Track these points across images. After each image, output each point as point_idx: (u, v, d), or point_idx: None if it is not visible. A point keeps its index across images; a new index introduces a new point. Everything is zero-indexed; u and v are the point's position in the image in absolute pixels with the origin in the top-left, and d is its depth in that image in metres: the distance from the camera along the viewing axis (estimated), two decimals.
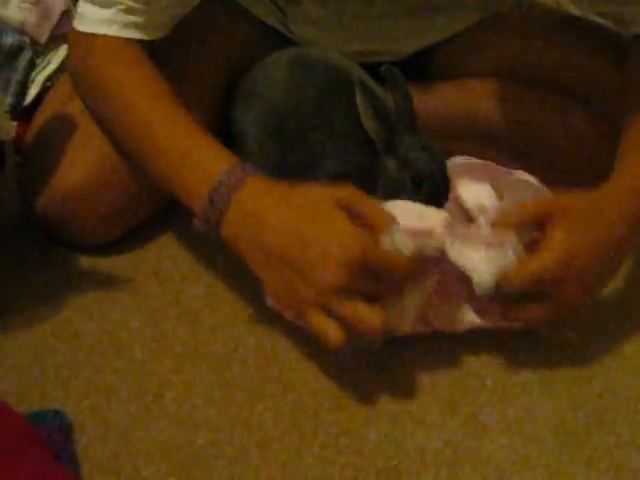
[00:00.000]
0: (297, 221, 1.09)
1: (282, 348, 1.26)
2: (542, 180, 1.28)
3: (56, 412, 1.14)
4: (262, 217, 1.11)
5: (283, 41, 1.56)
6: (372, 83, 1.38)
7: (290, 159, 1.38)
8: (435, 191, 1.26)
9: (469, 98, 1.52)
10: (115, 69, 1.28)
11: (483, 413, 1.17)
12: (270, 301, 1.19)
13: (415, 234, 1.12)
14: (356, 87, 1.27)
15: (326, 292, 1.06)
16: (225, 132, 1.44)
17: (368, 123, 1.28)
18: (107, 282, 1.38)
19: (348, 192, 1.12)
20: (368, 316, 1.06)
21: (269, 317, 1.28)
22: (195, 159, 1.18)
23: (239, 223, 1.13)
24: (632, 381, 1.21)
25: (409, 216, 1.14)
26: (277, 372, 1.22)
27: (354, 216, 1.09)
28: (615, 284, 1.33)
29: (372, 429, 1.15)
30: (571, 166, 1.46)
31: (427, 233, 1.13)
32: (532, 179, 1.25)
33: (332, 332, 1.07)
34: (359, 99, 1.27)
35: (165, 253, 1.44)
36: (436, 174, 1.28)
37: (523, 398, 1.19)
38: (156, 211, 1.46)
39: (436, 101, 1.52)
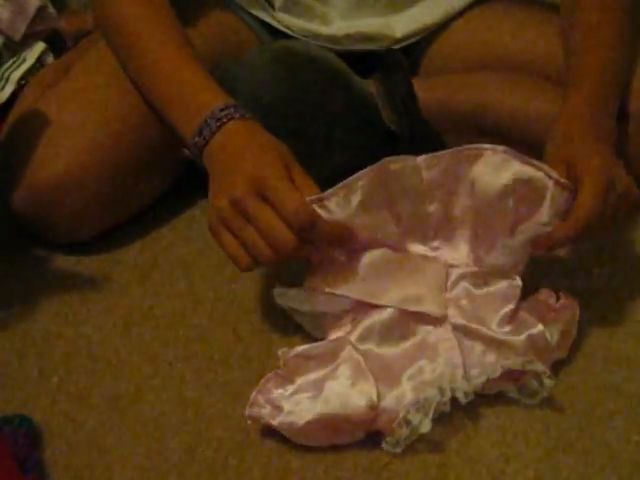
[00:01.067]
0: (242, 150, 1.14)
1: (263, 350, 1.22)
2: None
3: (23, 417, 1.09)
4: (231, 153, 1.15)
5: (268, 30, 1.53)
6: (355, 75, 1.36)
7: None
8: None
9: (476, 91, 1.48)
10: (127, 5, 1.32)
11: (472, 411, 1.11)
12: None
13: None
14: (373, 81, 1.27)
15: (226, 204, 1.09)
16: None
17: (388, 116, 1.28)
18: (84, 283, 1.34)
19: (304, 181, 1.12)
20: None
21: (251, 319, 1.26)
22: (196, 90, 1.23)
23: (214, 154, 1.17)
24: (626, 375, 1.17)
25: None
26: (258, 375, 1.13)
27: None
28: (603, 280, 1.30)
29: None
30: None
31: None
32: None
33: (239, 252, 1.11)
34: (377, 93, 1.27)
35: (145, 254, 1.41)
36: None
37: (512, 399, 1.13)
38: (134, 211, 1.43)
39: (442, 94, 1.48)
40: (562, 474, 1.05)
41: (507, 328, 1.13)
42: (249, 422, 1.08)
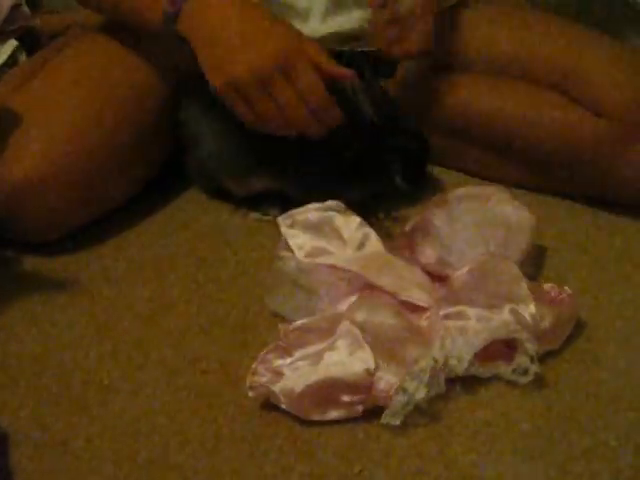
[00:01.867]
0: (242, 16, 1.23)
1: (237, 354, 1.18)
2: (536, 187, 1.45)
3: None
4: (213, 8, 1.23)
5: None
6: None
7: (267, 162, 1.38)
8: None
9: (462, 94, 1.48)
10: None
11: (451, 417, 1.08)
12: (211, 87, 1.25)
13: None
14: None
15: (248, 80, 1.21)
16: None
17: (368, 108, 1.33)
18: (53, 285, 1.30)
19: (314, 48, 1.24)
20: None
21: (225, 322, 1.22)
22: None
23: (193, 13, 1.24)
24: (607, 382, 1.13)
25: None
26: (233, 378, 1.13)
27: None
28: (586, 291, 1.28)
29: (332, 434, 1.06)
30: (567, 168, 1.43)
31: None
32: (510, 202, 1.29)
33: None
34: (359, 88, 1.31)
35: (117, 255, 1.36)
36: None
37: (494, 402, 1.10)
38: (104, 212, 1.40)
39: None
40: None
41: (495, 302, 1.15)
42: (250, 393, 1.08)
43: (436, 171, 1.52)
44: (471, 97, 1.47)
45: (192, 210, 1.45)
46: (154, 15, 1.26)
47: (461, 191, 1.29)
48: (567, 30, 1.47)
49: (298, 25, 1.40)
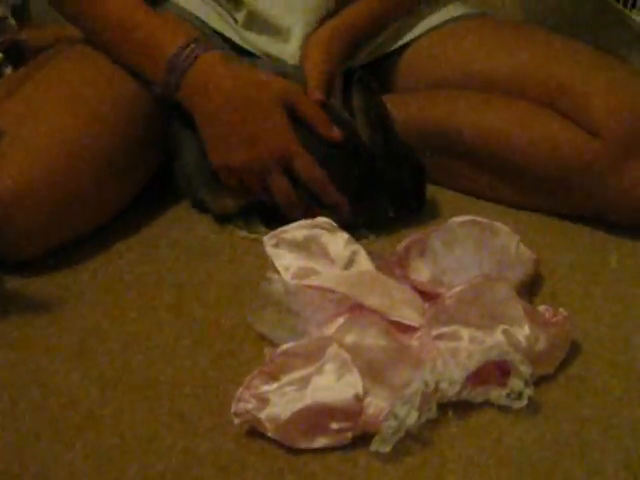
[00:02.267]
0: (243, 101, 1.29)
1: (223, 378, 1.14)
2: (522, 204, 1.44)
3: None
4: (216, 86, 1.29)
5: (232, 47, 1.50)
6: None
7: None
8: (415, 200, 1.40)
9: (446, 109, 1.47)
10: None
11: (443, 444, 1.04)
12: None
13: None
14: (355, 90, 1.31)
15: (247, 168, 1.31)
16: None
17: (364, 131, 1.32)
18: (34, 305, 1.25)
19: (294, 90, 1.31)
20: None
21: (211, 344, 1.18)
22: (161, 30, 1.33)
23: (196, 86, 1.30)
24: (603, 408, 1.10)
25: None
26: (217, 404, 1.09)
27: (295, 112, 1.31)
28: (581, 313, 1.24)
29: (320, 463, 1.02)
30: (550, 183, 1.41)
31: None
32: (515, 238, 1.26)
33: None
34: (357, 102, 1.31)
35: (100, 274, 1.33)
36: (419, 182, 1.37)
37: (487, 428, 1.06)
38: (88, 230, 1.37)
39: (411, 111, 1.48)
40: None
41: (488, 323, 1.12)
42: (235, 420, 1.03)
43: (430, 188, 1.47)
44: (462, 114, 1.44)
45: (178, 228, 1.42)
46: (155, 76, 1.33)
47: (462, 218, 1.25)
48: (563, 47, 1.45)
49: (280, 46, 1.39)
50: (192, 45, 1.30)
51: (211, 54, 1.31)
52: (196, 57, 1.29)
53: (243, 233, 1.40)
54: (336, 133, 1.30)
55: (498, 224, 1.26)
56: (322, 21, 1.44)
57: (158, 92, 1.35)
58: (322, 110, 1.31)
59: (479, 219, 1.25)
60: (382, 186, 1.35)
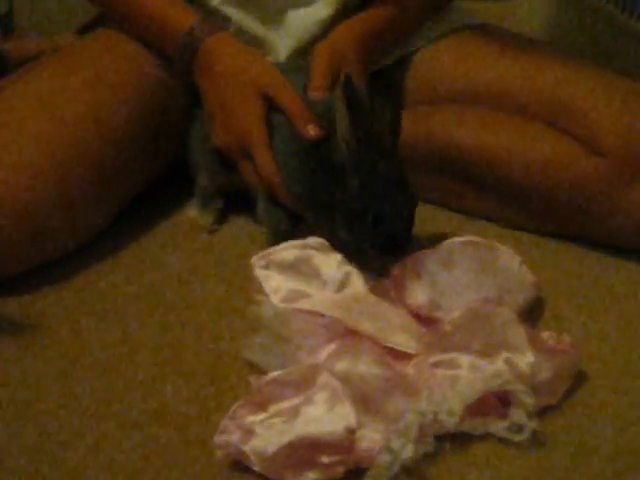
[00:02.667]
0: (226, 85, 1.31)
1: (207, 409, 1.07)
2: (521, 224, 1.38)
3: None
4: (211, 67, 1.32)
5: None
6: None
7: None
8: (392, 238, 1.18)
9: (442, 127, 1.42)
10: None
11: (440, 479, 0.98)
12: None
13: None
14: (338, 90, 1.17)
15: (226, 149, 1.32)
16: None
17: (344, 132, 1.17)
18: (10, 327, 1.19)
19: (276, 83, 1.29)
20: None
21: (192, 372, 1.12)
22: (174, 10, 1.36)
23: (200, 65, 1.34)
24: (609, 440, 1.03)
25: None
26: (200, 435, 1.02)
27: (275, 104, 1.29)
28: (586, 339, 1.18)
29: None
30: (547, 204, 1.36)
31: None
32: (517, 260, 1.19)
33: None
34: (339, 105, 1.16)
35: (80, 295, 1.26)
36: (399, 217, 1.18)
37: (487, 462, 1.00)
38: (68, 248, 1.30)
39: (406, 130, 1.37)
40: None
41: (489, 350, 1.06)
42: (218, 453, 0.97)
43: (423, 208, 1.39)
44: (462, 132, 1.39)
45: (162, 248, 1.35)
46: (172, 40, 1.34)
47: (461, 238, 1.19)
48: (563, 62, 1.40)
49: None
50: (200, 25, 1.33)
51: (216, 36, 1.33)
52: (204, 37, 1.32)
53: (193, 213, 1.40)
54: (311, 132, 1.23)
55: (499, 245, 1.20)
56: (313, 42, 1.39)
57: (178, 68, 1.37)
58: (304, 107, 1.26)
59: (479, 239, 1.19)
60: (350, 209, 1.19)
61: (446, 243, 1.18)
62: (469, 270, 1.16)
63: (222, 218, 1.40)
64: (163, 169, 1.42)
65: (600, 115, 1.29)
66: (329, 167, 1.20)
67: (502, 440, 1.01)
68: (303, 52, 1.41)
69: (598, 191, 1.29)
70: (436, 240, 1.22)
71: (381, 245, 1.17)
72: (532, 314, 1.20)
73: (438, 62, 1.46)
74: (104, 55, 1.37)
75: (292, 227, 1.28)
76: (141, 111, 1.35)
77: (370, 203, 1.16)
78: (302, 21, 1.42)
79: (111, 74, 1.35)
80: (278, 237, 1.22)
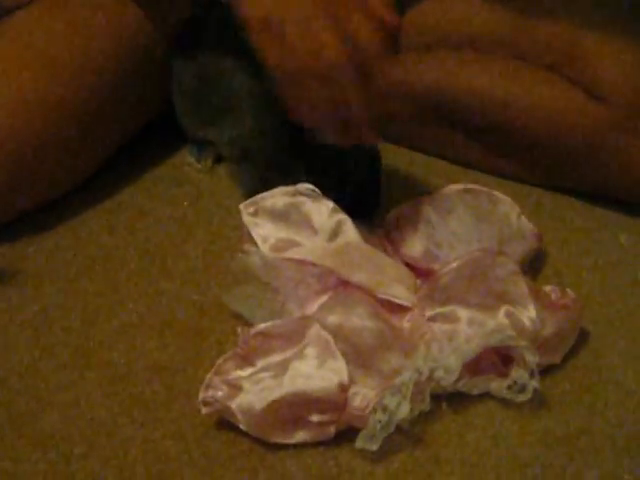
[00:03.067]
0: None
1: (192, 363, 1.00)
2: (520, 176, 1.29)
3: None
4: None
5: None
6: None
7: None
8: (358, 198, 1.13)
9: (436, 72, 1.33)
10: None
11: (437, 442, 0.92)
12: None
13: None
14: None
15: None
16: None
17: None
18: None
19: None
20: None
21: (180, 323, 1.05)
22: None
23: None
24: (616, 403, 0.97)
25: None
26: (184, 391, 0.96)
27: None
28: (589, 297, 1.11)
29: (298, 461, 0.90)
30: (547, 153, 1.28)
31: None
32: (516, 209, 1.13)
33: None
34: None
35: (61, 244, 1.18)
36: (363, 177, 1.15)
37: (486, 424, 0.94)
38: (53, 195, 1.23)
39: (403, 73, 1.33)
40: None
41: (489, 302, 0.99)
42: (203, 410, 0.91)
43: (418, 158, 1.35)
44: (457, 75, 1.31)
45: (148, 198, 1.27)
46: None
47: (458, 186, 1.12)
48: (571, 7, 1.31)
49: None
50: None
51: None
52: None
53: (191, 160, 1.31)
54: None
55: (498, 193, 1.13)
56: None
57: None
58: None
59: (477, 187, 1.13)
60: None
61: (444, 190, 1.12)
62: (467, 219, 1.10)
63: (220, 161, 1.32)
64: (152, 114, 1.34)
65: (607, 60, 1.22)
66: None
67: (502, 401, 0.95)
68: None
69: (600, 139, 1.22)
70: (431, 189, 1.16)
71: (348, 205, 1.09)
72: (533, 268, 1.13)
73: (436, 5, 1.38)
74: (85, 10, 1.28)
75: None
76: (125, 55, 1.26)
77: (328, 162, 1.12)
78: None
79: (96, 19, 1.26)
80: None
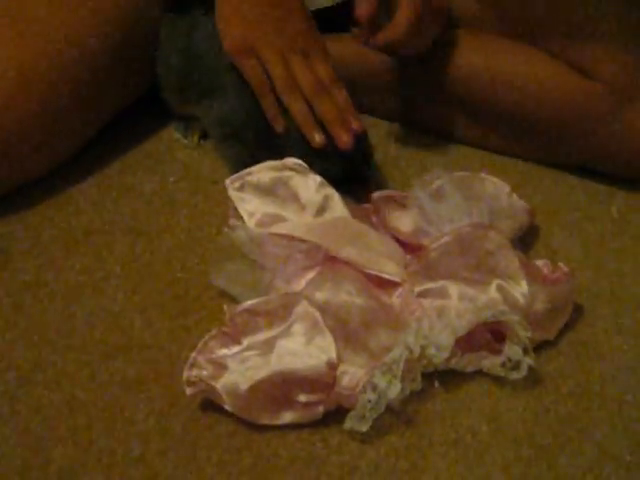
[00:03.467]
0: None
1: (177, 341, 0.95)
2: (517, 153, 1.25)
3: None
4: None
5: None
6: None
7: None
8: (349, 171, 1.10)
9: (443, 51, 1.27)
10: None
11: (429, 422, 0.88)
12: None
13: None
14: None
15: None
16: None
17: None
18: None
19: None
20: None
21: (164, 301, 1.00)
22: None
23: None
24: (613, 379, 0.93)
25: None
26: (168, 370, 0.91)
27: None
28: (582, 272, 1.05)
29: (285, 443, 0.85)
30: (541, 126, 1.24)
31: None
32: (505, 187, 1.09)
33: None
34: None
35: (46, 221, 1.11)
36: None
37: (480, 403, 0.90)
38: (42, 168, 1.17)
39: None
40: None
41: (480, 277, 0.95)
42: (187, 390, 0.87)
43: (416, 134, 1.29)
44: (453, 54, 1.26)
45: (135, 173, 1.21)
46: None
47: (448, 175, 1.07)
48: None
49: None
50: None
51: None
52: None
53: (178, 136, 1.26)
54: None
55: (484, 175, 1.09)
56: None
57: None
58: None
59: (464, 173, 1.08)
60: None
61: (432, 175, 1.07)
62: (457, 200, 1.04)
63: (206, 137, 1.26)
64: (140, 90, 1.28)
65: (600, 40, 1.18)
66: None
67: (496, 379, 0.90)
68: None
69: (594, 116, 1.18)
70: (422, 169, 1.11)
71: (338, 175, 1.06)
72: (525, 243, 1.08)
73: None
74: None
75: None
76: (118, 30, 1.20)
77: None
78: None
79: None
80: None
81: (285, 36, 1.11)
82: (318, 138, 1.07)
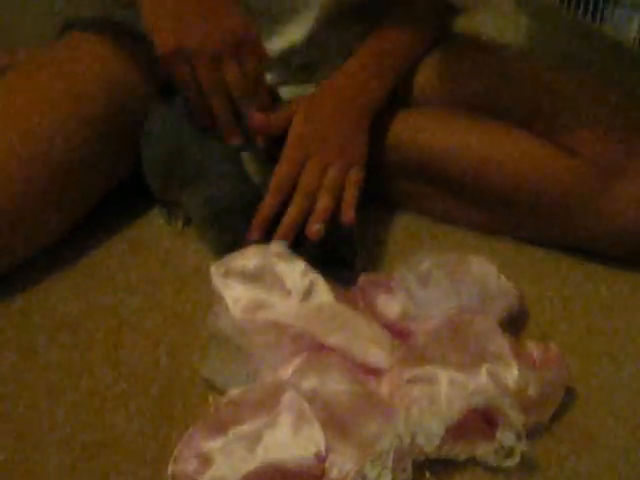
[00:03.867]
0: None
1: (161, 433, 0.90)
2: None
3: None
4: None
5: None
6: None
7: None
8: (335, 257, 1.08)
9: (410, 129, 1.26)
10: None
11: None
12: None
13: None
14: None
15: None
16: None
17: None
18: None
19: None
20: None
21: (143, 387, 0.95)
22: None
23: None
24: (606, 464, 0.88)
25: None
26: (153, 464, 0.86)
27: None
28: (572, 351, 1.02)
29: None
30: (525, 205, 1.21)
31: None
32: (492, 269, 1.06)
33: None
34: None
35: (27, 310, 1.07)
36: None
37: None
38: (23, 257, 1.13)
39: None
40: None
41: (470, 362, 0.91)
42: None
43: (397, 212, 1.28)
44: (432, 133, 1.24)
45: (117, 262, 1.17)
46: None
47: (434, 258, 1.05)
48: (543, 72, 1.27)
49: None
50: None
51: None
52: None
53: (160, 222, 1.24)
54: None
55: (471, 256, 1.06)
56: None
57: None
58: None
59: (450, 255, 1.06)
60: None
61: (418, 258, 1.04)
62: (445, 283, 1.02)
63: (189, 223, 1.23)
64: (124, 174, 1.25)
65: (578, 115, 1.17)
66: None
67: (488, 467, 0.86)
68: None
69: (577, 193, 1.15)
70: (408, 248, 1.08)
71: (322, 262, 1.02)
72: (515, 327, 1.04)
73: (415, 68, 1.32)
74: (71, 65, 1.20)
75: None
76: (107, 121, 1.17)
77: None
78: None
79: (80, 85, 1.18)
80: None
81: (216, 32, 1.09)
82: (236, 141, 1.11)
